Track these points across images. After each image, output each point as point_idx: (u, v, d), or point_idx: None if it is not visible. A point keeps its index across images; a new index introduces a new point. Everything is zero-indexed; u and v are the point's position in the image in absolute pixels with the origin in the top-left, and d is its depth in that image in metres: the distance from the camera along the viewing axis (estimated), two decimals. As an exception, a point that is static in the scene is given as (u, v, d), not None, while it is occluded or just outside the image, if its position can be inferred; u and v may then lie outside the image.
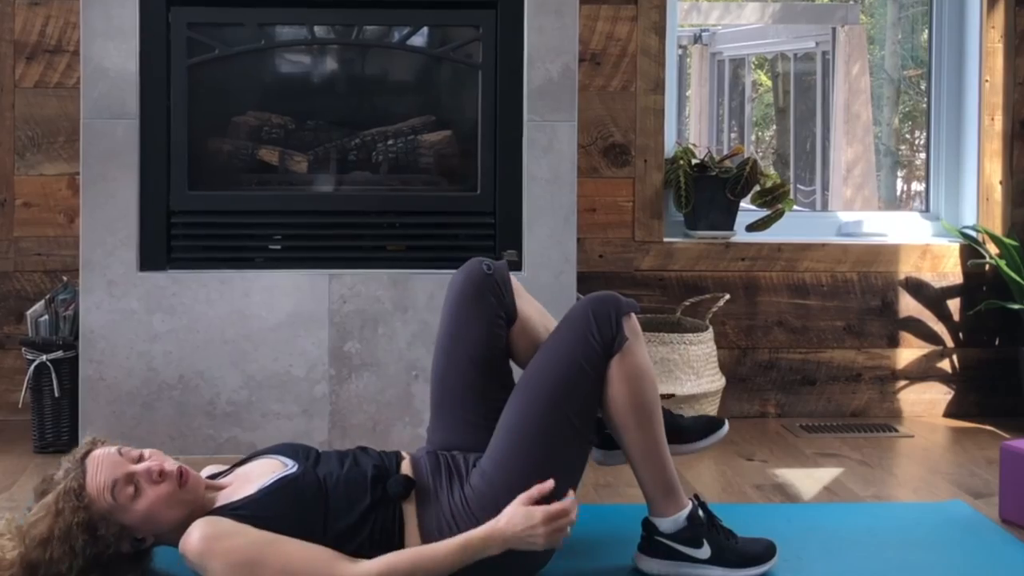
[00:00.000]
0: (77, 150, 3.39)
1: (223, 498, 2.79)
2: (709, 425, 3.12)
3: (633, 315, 2.80)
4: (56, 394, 3.34)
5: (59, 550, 2.65)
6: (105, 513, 2.64)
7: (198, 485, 2.73)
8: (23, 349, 3.37)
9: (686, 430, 3.09)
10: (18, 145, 3.59)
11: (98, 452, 2.70)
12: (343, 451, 2.88)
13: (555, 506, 2.64)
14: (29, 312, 3.41)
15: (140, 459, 2.71)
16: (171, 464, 2.70)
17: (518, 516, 2.63)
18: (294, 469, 2.80)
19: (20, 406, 3.40)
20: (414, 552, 2.67)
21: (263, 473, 2.83)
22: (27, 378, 3.35)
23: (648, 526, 2.83)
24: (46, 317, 3.38)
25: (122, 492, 2.65)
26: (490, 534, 2.65)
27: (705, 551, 2.83)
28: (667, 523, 2.82)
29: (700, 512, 2.85)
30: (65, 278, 3.52)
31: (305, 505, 2.70)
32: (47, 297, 3.43)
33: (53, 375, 3.33)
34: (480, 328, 2.86)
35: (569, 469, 2.72)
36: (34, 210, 3.61)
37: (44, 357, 3.33)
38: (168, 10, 3.31)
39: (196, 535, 2.65)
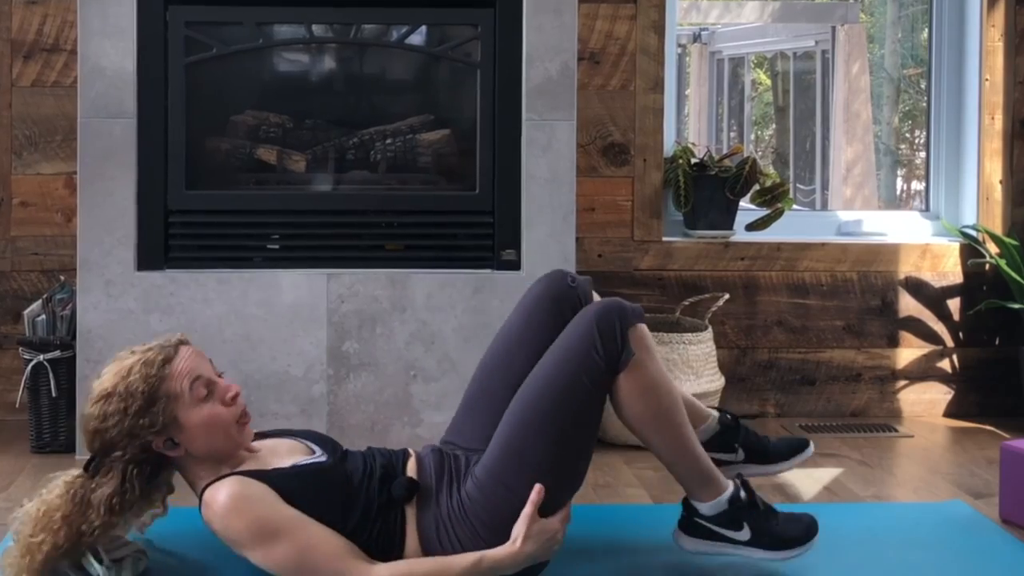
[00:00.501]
0: (74, 149, 3.40)
1: (253, 462, 2.79)
2: (794, 446, 3.10)
3: (640, 325, 2.76)
4: (53, 394, 3.34)
5: (115, 406, 2.66)
6: (171, 395, 2.66)
7: (249, 435, 2.75)
8: (20, 349, 3.37)
9: (771, 451, 3.08)
10: (15, 144, 3.60)
11: (193, 347, 2.76)
12: (364, 451, 2.88)
13: (564, 512, 2.67)
14: (26, 312, 3.42)
15: (220, 377, 2.76)
16: (243, 400, 2.76)
17: (534, 532, 2.65)
18: (324, 459, 2.81)
19: (17, 406, 3.40)
20: (428, 563, 2.68)
21: (291, 452, 2.85)
22: (24, 378, 3.35)
23: (688, 507, 2.84)
24: (43, 317, 3.38)
25: (197, 389, 2.67)
26: (509, 556, 2.65)
27: (745, 533, 2.82)
28: (707, 507, 2.82)
29: (742, 493, 2.83)
30: (62, 277, 3.52)
31: (331, 497, 2.70)
32: (44, 297, 3.43)
33: (50, 375, 3.33)
34: (547, 339, 2.84)
35: (563, 482, 2.72)
36: (31, 209, 3.62)
37: (41, 357, 3.34)
38: (166, 9, 3.33)
39: (225, 492, 2.64)
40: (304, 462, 2.78)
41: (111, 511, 2.69)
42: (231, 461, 2.76)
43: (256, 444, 2.82)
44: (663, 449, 2.82)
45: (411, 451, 2.81)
